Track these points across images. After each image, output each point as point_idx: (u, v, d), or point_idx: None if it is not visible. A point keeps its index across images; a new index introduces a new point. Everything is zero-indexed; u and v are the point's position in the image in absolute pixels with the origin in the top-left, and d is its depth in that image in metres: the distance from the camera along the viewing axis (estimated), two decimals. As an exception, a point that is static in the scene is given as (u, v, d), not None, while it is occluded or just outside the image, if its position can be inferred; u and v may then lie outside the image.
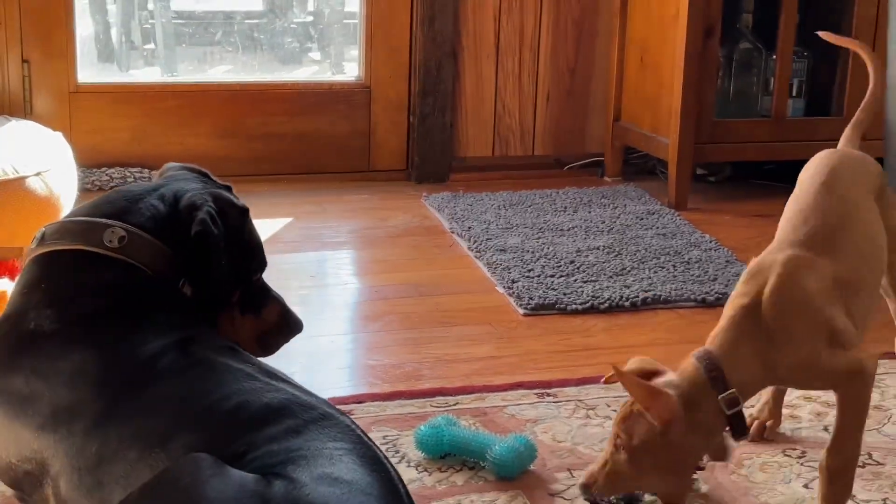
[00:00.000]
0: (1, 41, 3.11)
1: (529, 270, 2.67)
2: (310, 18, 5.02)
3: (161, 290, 1.48)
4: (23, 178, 2.55)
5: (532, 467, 1.79)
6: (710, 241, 2.91)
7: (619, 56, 3.48)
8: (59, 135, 2.88)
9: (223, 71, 4.83)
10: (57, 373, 1.35)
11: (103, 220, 1.48)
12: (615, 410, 2.00)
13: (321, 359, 2.21)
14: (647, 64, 3.37)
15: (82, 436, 1.31)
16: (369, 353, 2.28)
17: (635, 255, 2.80)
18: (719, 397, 1.52)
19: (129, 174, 3.23)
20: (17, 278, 1.50)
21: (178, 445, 1.26)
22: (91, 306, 1.41)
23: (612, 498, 1.61)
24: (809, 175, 1.77)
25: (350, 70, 4.75)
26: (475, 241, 2.87)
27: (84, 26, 4.16)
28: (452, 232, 2.99)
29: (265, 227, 2.95)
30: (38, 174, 2.57)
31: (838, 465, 1.59)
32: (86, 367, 1.35)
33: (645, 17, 3.37)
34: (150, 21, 4.82)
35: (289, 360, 2.09)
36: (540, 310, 2.48)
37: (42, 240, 1.49)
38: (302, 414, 1.33)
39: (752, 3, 3.39)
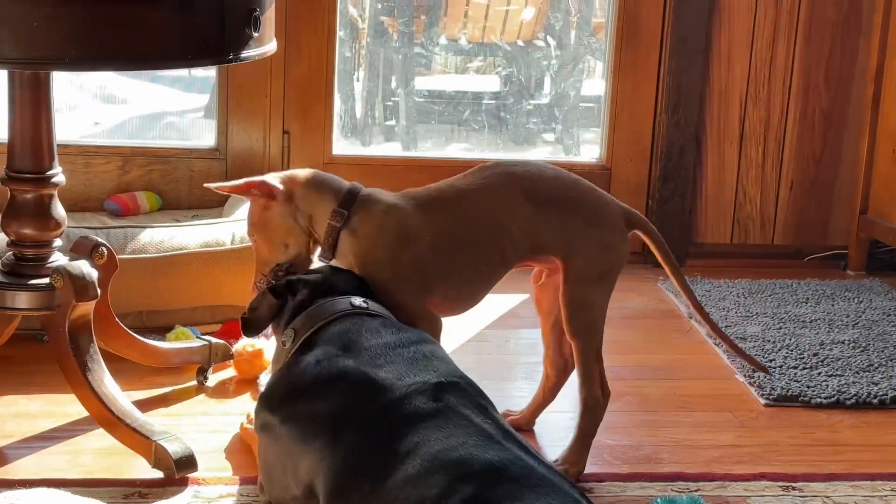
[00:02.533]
0: (266, 113, 3.29)
1: (771, 360, 2.62)
2: (546, 100, 5.11)
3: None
4: (281, 242, 2.68)
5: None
6: (964, 342, 2.79)
7: (869, 147, 3.40)
8: (313, 203, 3.02)
9: (460, 149, 4.95)
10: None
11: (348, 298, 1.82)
12: (865, 510, 1.94)
13: (560, 435, 2.22)
14: (899, 156, 3.28)
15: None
16: (607, 433, 2.27)
17: (883, 351, 2.70)
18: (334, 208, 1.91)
19: (373, 244, 3.34)
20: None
21: (398, 482, 1.41)
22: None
23: (275, 276, 1.94)
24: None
25: (585, 152, 4.80)
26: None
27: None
28: (690, 317, 2.96)
29: (503, 301, 3.00)
30: (295, 239, 2.70)
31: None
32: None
33: (899, 108, 3.29)
34: (394, 99, 5.00)
35: (527, 436, 2.12)
36: (783, 401, 2.43)
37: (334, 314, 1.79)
38: (520, 476, 1.40)
39: None
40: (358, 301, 1.79)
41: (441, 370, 1.61)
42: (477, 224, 1.98)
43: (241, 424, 2.11)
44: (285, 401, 1.66)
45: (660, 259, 2.13)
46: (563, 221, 1.99)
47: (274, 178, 1.96)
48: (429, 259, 1.92)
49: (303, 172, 1.99)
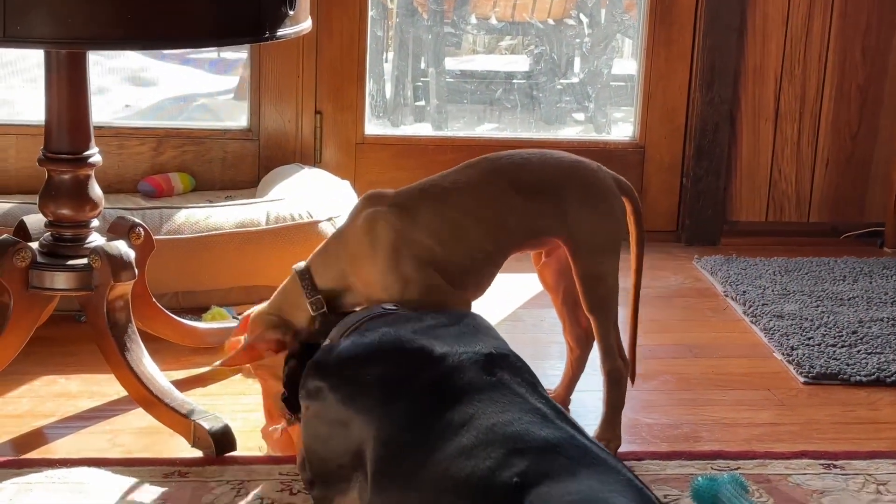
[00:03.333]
0: (298, 93, 3.29)
1: (809, 338, 2.60)
2: (577, 79, 5.08)
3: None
4: (316, 223, 2.68)
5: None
6: None
7: (906, 123, 3.36)
8: (346, 183, 3.02)
9: (490, 129, 4.93)
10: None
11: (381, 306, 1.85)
12: (908, 488, 1.93)
13: (597, 414, 2.21)
14: (938, 132, 3.24)
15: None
16: (645, 411, 2.26)
17: (923, 329, 2.68)
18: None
19: (406, 224, 3.33)
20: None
21: (452, 452, 1.41)
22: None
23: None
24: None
25: (616, 131, 4.77)
26: (750, 306, 2.82)
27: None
28: (726, 295, 2.94)
29: (536, 281, 2.98)
30: (329, 219, 2.70)
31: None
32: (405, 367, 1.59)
33: (937, 83, 3.25)
34: (423, 79, 4.99)
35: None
36: (822, 379, 2.41)
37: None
38: (576, 455, 1.39)
39: None
40: (388, 305, 1.80)
41: (491, 343, 1.62)
42: (466, 218, 1.95)
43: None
44: (336, 366, 1.64)
45: (632, 227, 2.08)
46: (557, 205, 1.97)
47: (256, 339, 1.89)
48: (431, 255, 1.90)
49: (259, 310, 1.94)
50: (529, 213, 1.96)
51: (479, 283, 1.98)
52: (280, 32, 1.86)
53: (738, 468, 1.98)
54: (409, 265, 1.87)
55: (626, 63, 4.81)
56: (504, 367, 1.56)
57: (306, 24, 1.98)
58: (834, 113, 3.47)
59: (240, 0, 1.79)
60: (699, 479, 1.83)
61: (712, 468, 1.98)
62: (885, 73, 3.45)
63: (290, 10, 1.87)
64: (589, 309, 2.01)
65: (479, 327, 1.69)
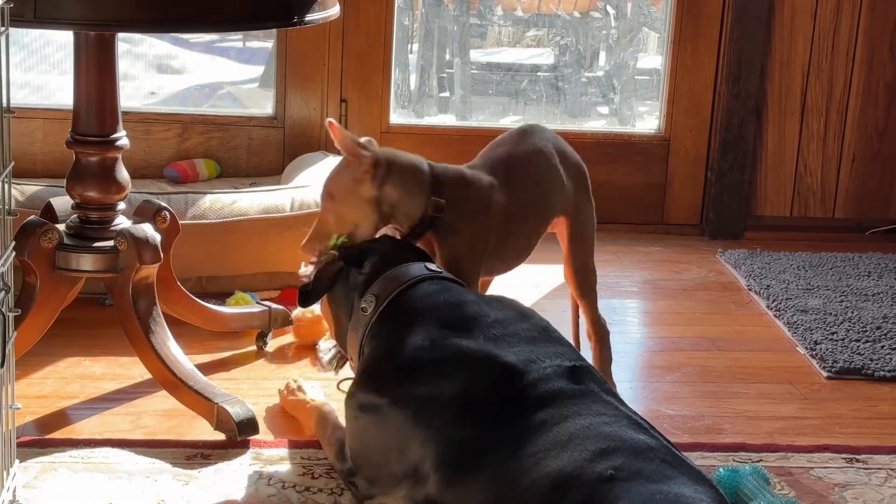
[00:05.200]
0: (324, 81, 3.29)
1: (833, 333, 2.59)
2: (602, 72, 5.06)
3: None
4: (340, 210, 2.68)
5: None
6: None
7: (933, 120, 3.34)
8: (370, 171, 3.02)
9: (513, 121, 4.93)
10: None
11: (423, 264, 1.85)
12: (931, 483, 1.92)
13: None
14: (966, 129, 3.22)
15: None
16: (667, 403, 2.26)
17: (947, 325, 2.66)
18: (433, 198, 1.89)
19: (429, 213, 3.33)
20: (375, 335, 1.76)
21: (545, 444, 1.43)
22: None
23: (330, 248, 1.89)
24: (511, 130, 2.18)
25: (641, 124, 4.76)
26: (774, 300, 2.81)
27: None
28: (750, 289, 2.93)
29: (561, 272, 2.98)
30: (353, 207, 2.70)
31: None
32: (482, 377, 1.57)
33: (966, 80, 3.23)
34: (448, 70, 4.98)
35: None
36: (845, 374, 2.40)
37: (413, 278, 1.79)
38: (670, 460, 1.41)
39: None
40: (432, 266, 1.80)
41: (567, 353, 1.61)
42: (536, 194, 2.02)
43: (281, 393, 2.11)
44: (396, 382, 1.62)
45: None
46: (575, 187, 2.12)
47: (376, 155, 1.91)
48: (498, 232, 1.96)
49: (400, 159, 1.95)
50: (567, 192, 2.09)
51: (517, 262, 2.08)
52: (308, 17, 1.87)
53: (761, 461, 1.98)
54: (485, 238, 1.95)
55: (651, 57, 4.79)
56: (590, 379, 1.56)
57: (334, 10, 1.98)
58: (861, 109, 3.45)
59: (269, -16, 1.80)
60: (721, 470, 1.83)
61: (734, 460, 1.98)
62: (913, 69, 3.43)
63: (319, -5, 1.87)
64: (582, 293, 2.18)
65: (549, 329, 1.68)
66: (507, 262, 2.06)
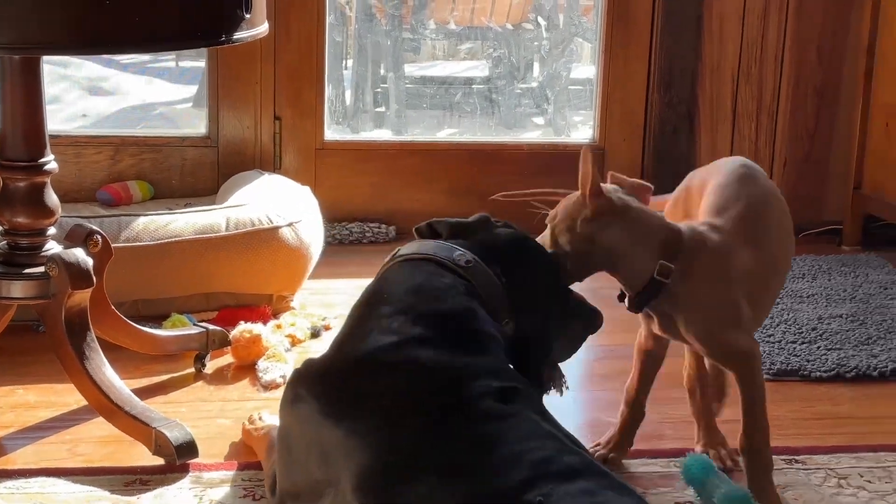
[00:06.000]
0: (257, 99, 3.27)
1: (770, 335, 2.62)
2: (536, 83, 5.10)
3: (494, 327, 1.56)
4: (276, 228, 2.67)
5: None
6: (962, 314, 2.79)
7: (862, 122, 3.39)
8: (306, 189, 3.01)
9: (449, 134, 4.94)
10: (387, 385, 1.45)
11: (452, 244, 1.61)
12: (868, 481, 1.94)
13: (559, 414, 2.20)
14: (894, 130, 3.27)
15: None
16: (608, 412, 2.26)
17: (881, 324, 2.70)
18: (660, 261, 1.75)
19: (367, 229, 3.32)
20: (376, 281, 1.62)
21: (480, 480, 1.34)
22: (439, 326, 1.50)
23: None
24: (727, 169, 1.95)
25: (576, 134, 4.79)
26: (712, 305, 2.83)
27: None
28: (687, 295, 2.95)
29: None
30: (290, 225, 2.69)
31: (754, 444, 1.82)
32: (416, 387, 1.45)
33: (893, 82, 3.28)
34: (383, 85, 4.99)
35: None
36: (783, 375, 2.42)
37: (396, 255, 1.62)
38: (599, 480, 1.38)
39: None
40: (466, 256, 1.60)
41: (505, 373, 1.53)
42: (780, 252, 1.94)
43: (244, 425, 2.06)
44: (330, 377, 1.51)
45: None
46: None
47: (604, 206, 1.77)
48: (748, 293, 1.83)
49: (633, 208, 1.80)
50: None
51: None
52: (236, 36, 1.85)
53: (702, 465, 1.98)
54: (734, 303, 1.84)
55: (585, 67, 4.83)
56: (519, 398, 1.49)
57: (263, 28, 1.97)
58: (791, 113, 3.50)
59: (195, 4, 1.78)
60: (689, 455, 1.86)
61: (675, 466, 1.98)
62: (840, 74, 3.48)
63: (247, 13, 1.86)
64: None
65: (489, 338, 1.56)
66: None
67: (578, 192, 1.80)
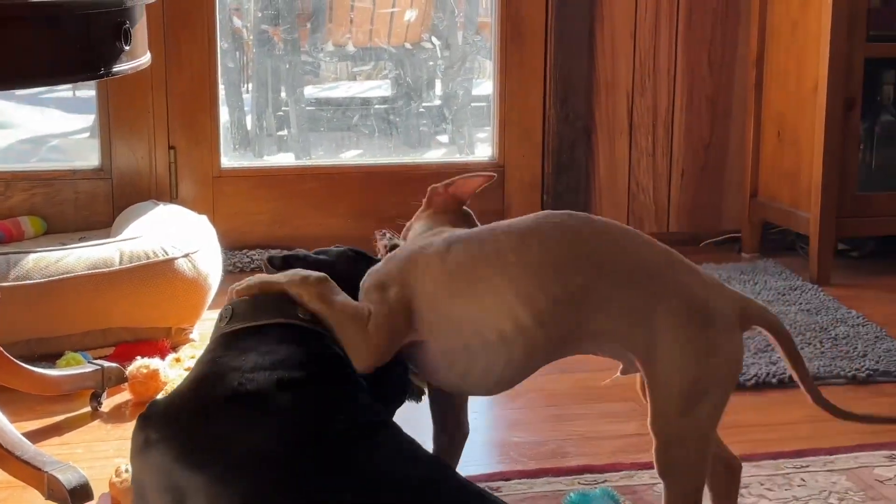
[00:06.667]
0: (150, 128, 3.22)
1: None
2: (438, 102, 5.11)
3: (350, 366, 1.50)
4: (172, 260, 2.62)
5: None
6: (857, 317, 2.84)
7: (754, 131, 3.45)
8: (203, 218, 2.97)
9: (353, 155, 4.92)
10: (251, 434, 1.36)
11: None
12: (769, 489, 1.96)
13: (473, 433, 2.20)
14: (785, 138, 3.33)
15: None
16: (512, 430, 2.26)
17: (780, 331, 2.73)
18: None
19: (269, 256, 3.29)
20: (205, 350, 1.52)
21: None
22: (297, 375, 1.41)
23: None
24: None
25: (480, 151, 4.80)
26: (614, 319, 2.85)
27: (221, 114, 4.31)
28: (590, 309, 2.96)
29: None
30: (186, 256, 2.64)
31: None
32: (283, 436, 1.36)
33: (782, 91, 3.34)
34: (284, 108, 4.95)
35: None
36: (684, 387, 2.43)
37: (232, 317, 1.51)
38: (458, 489, 1.37)
39: (894, 76, 3.33)
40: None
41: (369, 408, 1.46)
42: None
43: (110, 479, 1.93)
44: (180, 417, 1.41)
45: (788, 363, 1.64)
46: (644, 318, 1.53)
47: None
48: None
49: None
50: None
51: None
52: (116, 69, 1.81)
53: (605, 481, 1.99)
54: None
55: (487, 84, 4.86)
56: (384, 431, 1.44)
57: (144, 59, 1.93)
58: (686, 124, 3.55)
59: (70, 37, 1.74)
60: (571, 495, 1.83)
61: (579, 483, 1.98)
62: (731, 84, 3.54)
63: (126, 45, 1.82)
64: (659, 471, 1.58)
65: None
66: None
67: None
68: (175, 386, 2.32)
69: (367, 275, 1.59)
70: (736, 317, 1.53)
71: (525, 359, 1.54)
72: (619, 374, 1.71)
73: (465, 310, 1.52)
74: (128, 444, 2.13)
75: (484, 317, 1.51)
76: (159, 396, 1.53)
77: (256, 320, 1.49)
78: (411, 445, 1.44)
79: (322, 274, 1.54)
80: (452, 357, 1.54)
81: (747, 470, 2.01)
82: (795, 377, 1.64)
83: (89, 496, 1.90)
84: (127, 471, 1.94)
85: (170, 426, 1.40)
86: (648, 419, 1.56)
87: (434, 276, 1.54)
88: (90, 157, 3.51)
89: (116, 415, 2.31)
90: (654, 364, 1.52)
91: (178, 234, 2.73)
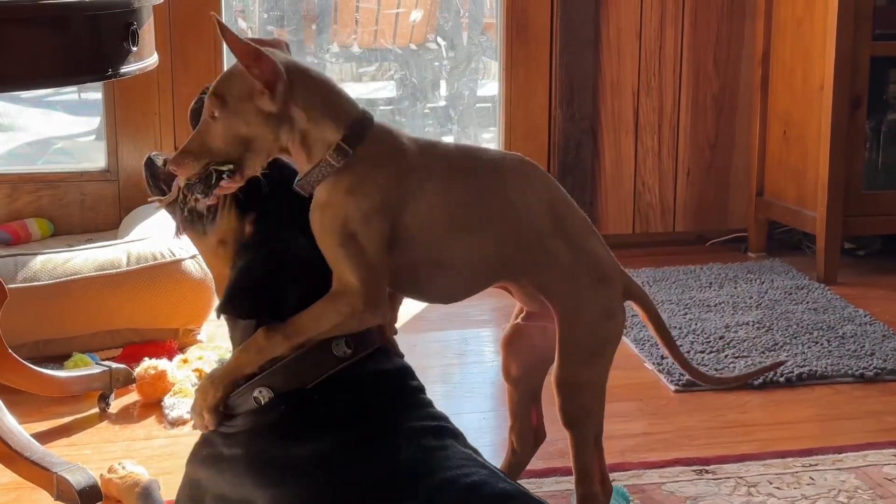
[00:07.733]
0: (156, 130, 3.23)
1: (678, 346, 2.63)
2: (443, 103, 5.11)
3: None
4: (179, 261, 2.62)
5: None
6: (864, 316, 2.83)
7: (760, 130, 3.45)
8: (210, 219, 2.97)
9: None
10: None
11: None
12: (778, 487, 1.96)
13: (471, 435, 2.18)
14: (791, 137, 3.33)
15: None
16: (520, 430, 2.26)
17: (787, 330, 2.74)
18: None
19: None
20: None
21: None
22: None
23: (188, 181, 1.49)
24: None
25: (485, 152, 4.80)
26: (621, 318, 2.85)
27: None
28: (597, 309, 2.96)
29: (410, 304, 2.97)
30: (193, 257, 2.65)
31: None
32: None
33: (788, 90, 3.34)
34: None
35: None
36: (692, 386, 2.44)
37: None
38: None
39: (900, 74, 3.34)
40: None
41: (434, 412, 1.58)
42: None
43: (102, 476, 1.95)
44: (258, 439, 1.50)
45: (657, 336, 1.87)
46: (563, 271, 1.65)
47: (282, 66, 1.46)
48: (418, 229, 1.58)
49: (316, 79, 1.50)
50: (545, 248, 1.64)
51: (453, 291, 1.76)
52: (124, 69, 1.81)
53: (614, 480, 1.98)
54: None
55: (492, 85, 4.86)
56: (450, 435, 1.55)
57: (152, 60, 1.93)
58: (692, 123, 3.54)
59: (79, 38, 1.74)
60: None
61: (588, 482, 1.98)
62: (737, 83, 3.53)
63: (133, 46, 1.82)
64: (564, 421, 1.71)
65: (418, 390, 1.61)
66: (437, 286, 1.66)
67: (237, 67, 1.47)
68: (182, 387, 2.33)
69: (319, 215, 1.49)
70: (623, 288, 1.72)
71: (476, 285, 1.70)
72: (518, 320, 1.83)
73: (457, 242, 1.59)
74: (136, 444, 2.15)
75: (467, 247, 1.60)
76: None
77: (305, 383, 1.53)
78: (474, 452, 1.55)
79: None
80: (418, 270, 1.61)
81: (756, 469, 2.02)
82: (666, 351, 1.88)
83: (98, 497, 1.90)
84: (124, 468, 1.94)
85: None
86: (554, 372, 1.69)
87: (430, 203, 1.54)
88: (97, 159, 3.52)
89: (124, 416, 2.32)
90: (571, 318, 1.65)
91: (184, 237, 2.72)
